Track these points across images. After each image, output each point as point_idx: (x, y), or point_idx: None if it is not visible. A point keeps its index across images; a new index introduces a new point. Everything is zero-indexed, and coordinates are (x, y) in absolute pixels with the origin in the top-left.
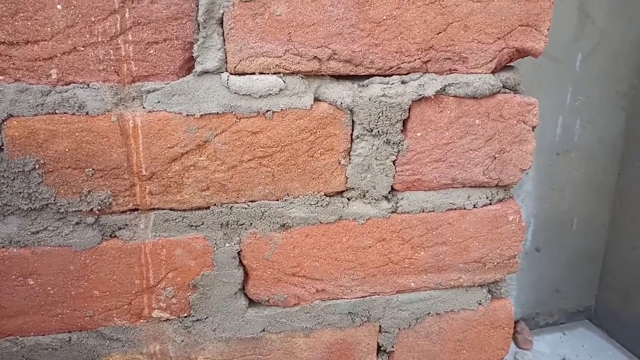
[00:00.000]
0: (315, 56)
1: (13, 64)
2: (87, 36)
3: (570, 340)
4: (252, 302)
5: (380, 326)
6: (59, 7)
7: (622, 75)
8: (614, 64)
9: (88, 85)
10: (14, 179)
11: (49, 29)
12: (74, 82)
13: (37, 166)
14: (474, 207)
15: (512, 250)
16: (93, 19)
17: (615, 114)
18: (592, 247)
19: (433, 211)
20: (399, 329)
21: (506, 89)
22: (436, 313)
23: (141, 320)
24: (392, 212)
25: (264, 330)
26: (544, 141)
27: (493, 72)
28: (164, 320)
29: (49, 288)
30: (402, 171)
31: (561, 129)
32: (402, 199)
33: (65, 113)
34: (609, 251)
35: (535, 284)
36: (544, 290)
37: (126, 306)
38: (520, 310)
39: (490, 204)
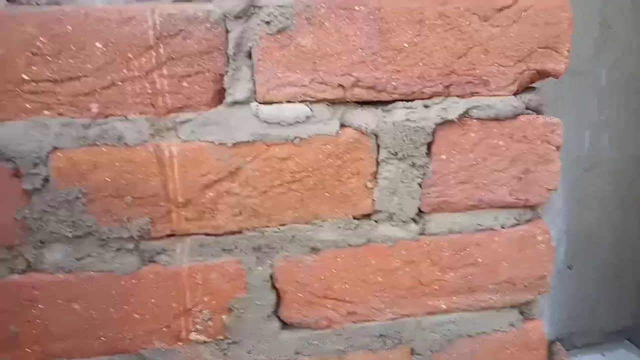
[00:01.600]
0: (340, 84)
1: (57, 99)
2: (125, 71)
3: None
4: (285, 325)
5: (412, 349)
6: (98, 45)
7: None
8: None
9: (126, 118)
10: (59, 208)
11: (90, 66)
12: (113, 115)
13: (80, 195)
14: (502, 227)
15: (542, 271)
16: (130, 55)
17: None
18: (627, 264)
19: (461, 232)
20: (431, 351)
21: (529, 110)
22: (468, 335)
23: (179, 343)
24: (420, 234)
25: (297, 352)
26: (571, 157)
27: (515, 94)
28: (201, 343)
29: (93, 312)
30: (428, 193)
31: (588, 144)
32: (429, 220)
33: (105, 144)
34: None
35: (569, 302)
36: (578, 309)
37: (165, 329)
38: (554, 329)
39: (518, 224)
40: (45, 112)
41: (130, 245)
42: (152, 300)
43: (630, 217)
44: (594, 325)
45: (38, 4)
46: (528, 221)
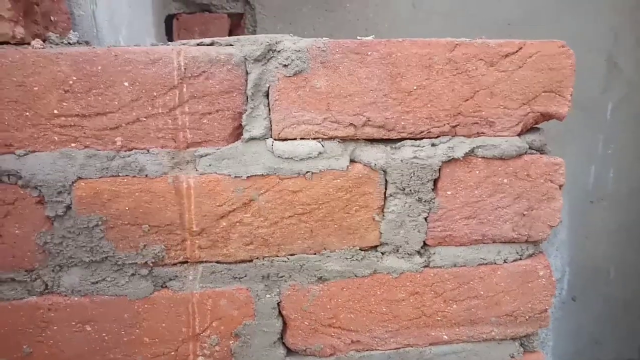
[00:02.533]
0: (352, 123)
1: (84, 133)
2: (149, 108)
3: None
4: (290, 352)
5: None
6: (126, 84)
7: None
8: None
9: (148, 151)
10: (79, 234)
11: (117, 103)
12: (135, 148)
13: (100, 223)
14: (505, 262)
15: (543, 305)
16: (155, 94)
17: None
18: (631, 297)
19: (465, 266)
20: None
21: (533, 150)
22: None
23: None
24: (425, 266)
25: None
26: (577, 190)
27: (519, 135)
28: None
29: (104, 334)
30: (434, 227)
31: (594, 178)
32: (434, 253)
33: (127, 176)
34: None
35: (573, 334)
36: (582, 341)
37: (173, 353)
38: None
39: (521, 259)
40: (72, 144)
41: (145, 271)
42: (163, 324)
43: (635, 249)
44: (597, 357)
45: (70, 44)
46: (530, 256)
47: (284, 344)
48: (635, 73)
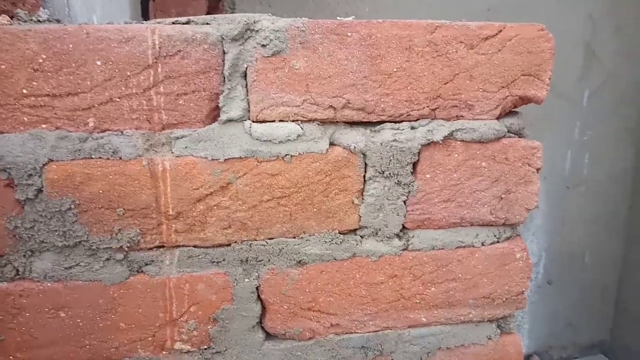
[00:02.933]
0: (331, 105)
1: (55, 113)
2: (123, 88)
3: None
4: (269, 336)
5: None
6: (98, 63)
7: (630, 113)
8: (621, 101)
9: (122, 133)
10: (51, 218)
11: (89, 82)
12: (109, 130)
13: (72, 206)
14: (482, 245)
15: (519, 287)
16: (129, 73)
17: (624, 148)
18: (605, 281)
19: (443, 249)
20: None
21: (511, 134)
22: (447, 347)
23: (164, 352)
24: (404, 249)
25: None
26: (553, 175)
27: (498, 118)
28: (185, 352)
29: (79, 320)
30: (412, 210)
31: (570, 164)
32: (413, 236)
33: (100, 158)
34: (622, 285)
35: (548, 317)
36: (557, 323)
37: (150, 338)
38: (533, 344)
39: (498, 242)
40: (43, 125)
41: (120, 256)
42: (139, 310)
43: (613, 235)
44: (571, 339)
45: (40, 21)
46: (507, 239)
47: (263, 328)
48: (613, 61)
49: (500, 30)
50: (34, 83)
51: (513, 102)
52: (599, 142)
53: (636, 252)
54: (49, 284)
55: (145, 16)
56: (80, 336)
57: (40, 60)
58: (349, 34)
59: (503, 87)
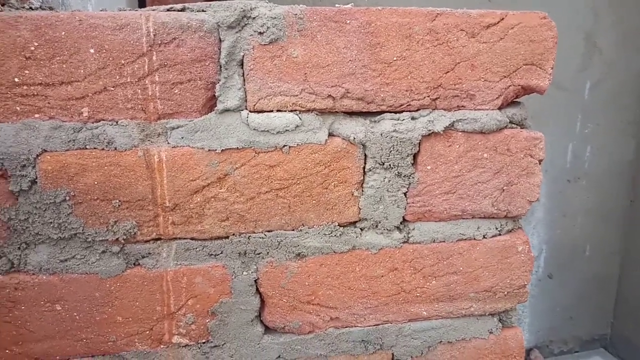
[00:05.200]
0: (330, 95)
1: (48, 103)
2: (117, 77)
3: None
4: (268, 329)
5: (393, 354)
6: (92, 51)
7: (630, 104)
8: (622, 93)
9: (117, 123)
10: (45, 209)
11: (82, 71)
12: (103, 120)
13: (67, 198)
14: (484, 237)
15: (521, 280)
16: (123, 62)
17: (626, 141)
18: (606, 274)
19: (444, 241)
20: (411, 357)
21: (513, 124)
22: (448, 341)
23: (161, 346)
24: (404, 242)
25: (279, 357)
26: (554, 168)
27: (500, 109)
28: (183, 346)
29: (75, 314)
30: (413, 202)
31: (571, 156)
32: (413, 229)
33: (95, 148)
34: (623, 278)
35: (548, 311)
36: (557, 317)
37: (147, 332)
38: (533, 337)
39: (500, 234)
40: (36, 115)
41: (116, 248)
42: (136, 303)
43: (613, 228)
44: (572, 333)
45: (32, 8)
46: (509, 231)
47: (261, 321)
48: (614, 52)
49: (502, 18)
50: (26, 71)
51: (515, 92)
52: (600, 135)
53: (637, 245)
54: (44, 277)
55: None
56: (77, 330)
57: (32, 48)
58: (348, 22)
59: (505, 77)
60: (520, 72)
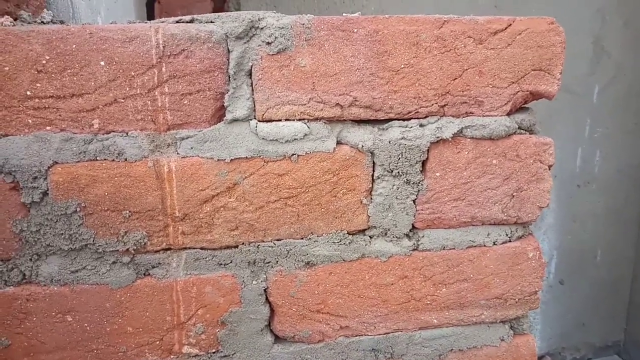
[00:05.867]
0: (338, 103)
1: (59, 115)
2: (127, 89)
3: None
4: (277, 339)
5: None
6: (102, 63)
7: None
8: (631, 96)
9: (127, 134)
10: (57, 221)
11: (93, 83)
12: (114, 131)
13: (78, 209)
14: (494, 244)
15: (532, 287)
16: (133, 74)
17: (635, 144)
18: (618, 279)
19: (454, 249)
20: None
21: (522, 130)
22: (459, 349)
23: (171, 356)
24: (414, 249)
25: None
26: (564, 173)
27: (508, 114)
28: (193, 356)
29: (86, 324)
30: (422, 210)
31: (581, 161)
32: (423, 236)
33: (105, 160)
34: (635, 283)
35: (560, 317)
36: (569, 323)
37: (158, 342)
38: (545, 344)
39: (510, 241)
40: (47, 127)
41: (126, 259)
42: (147, 313)
43: (622, 232)
44: (584, 340)
45: (44, 22)
46: (519, 238)
47: (271, 330)
48: (622, 56)
49: (510, 24)
50: (38, 84)
51: (523, 97)
52: (609, 139)
53: None
54: (55, 288)
55: (151, 18)
56: (88, 340)
57: (44, 62)
58: (355, 30)
59: (513, 83)
60: (528, 77)
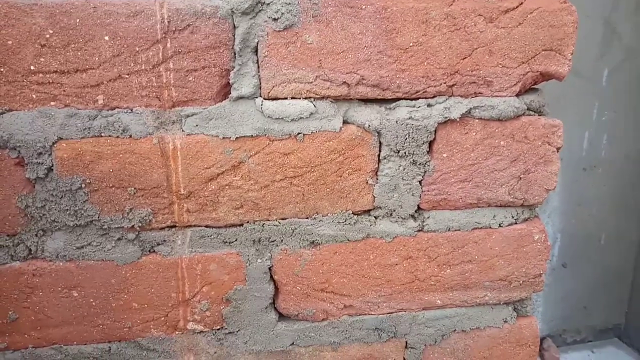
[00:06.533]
0: (345, 82)
1: (64, 90)
2: (132, 64)
3: (599, 359)
4: (282, 317)
5: (406, 342)
6: (106, 38)
7: None
8: None
9: (131, 110)
10: (61, 197)
11: (97, 58)
12: (118, 107)
13: (83, 185)
14: (500, 226)
15: (537, 269)
16: (137, 49)
17: None
18: (621, 264)
19: (459, 230)
20: (425, 345)
21: (531, 111)
22: (462, 330)
23: (177, 332)
24: (419, 230)
25: (293, 344)
26: (570, 156)
27: (517, 95)
28: (198, 332)
29: (92, 300)
30: (428, 191)
31: (588, 144)
32: (428, 217)
33: (110, 136)
34: (638, 268)
35: (562, 300)
36: (571, 307)
37: (163, 318)
38: (546, 327)
39: (516, 223)
40: (52, 103)
41: (132, 235)
42: (152, 289)
43: (630, 217)
44: (585, 323)
45: None
46: (525, 220)
47: (275, 308)
48: (634, 39)
49: (521, 3)
50: (42, 59)
51: (533, 78)
52: (617, 123)
53: None
54: (61, 264)
55: None
56: (94, 316)
57: (47, 36)
58: (364, 7)
59: (523, 63)
60: (539, 58)
